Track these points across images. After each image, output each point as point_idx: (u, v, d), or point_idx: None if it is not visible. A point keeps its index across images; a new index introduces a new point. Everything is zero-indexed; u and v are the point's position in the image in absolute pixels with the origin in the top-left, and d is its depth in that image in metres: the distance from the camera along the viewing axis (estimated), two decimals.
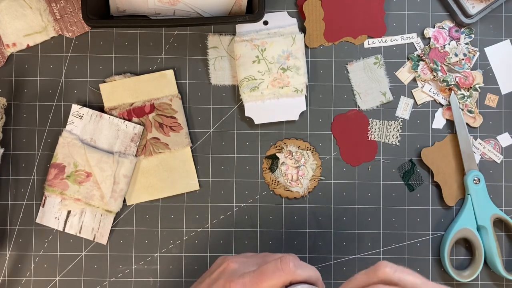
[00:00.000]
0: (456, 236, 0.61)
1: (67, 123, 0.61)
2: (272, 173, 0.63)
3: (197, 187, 0.62)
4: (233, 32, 0.63)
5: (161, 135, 0.62)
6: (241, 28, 0.62)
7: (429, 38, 0.64)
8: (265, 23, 0.63)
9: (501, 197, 0.63)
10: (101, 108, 0.62)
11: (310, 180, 0.63)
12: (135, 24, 0.60)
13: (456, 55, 0.63)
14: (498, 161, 0.64)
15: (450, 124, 0.64)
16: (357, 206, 0.63)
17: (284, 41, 0.61)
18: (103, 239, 0.61)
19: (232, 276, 0.43)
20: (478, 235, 0.61)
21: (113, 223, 0.62)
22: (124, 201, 0.62)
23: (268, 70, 0.61)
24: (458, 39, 0.64)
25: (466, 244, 0.63)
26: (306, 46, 0.63)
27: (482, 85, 0.63)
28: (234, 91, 0.63)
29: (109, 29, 0.63)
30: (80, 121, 0.61)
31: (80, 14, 0.61)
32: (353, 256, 0.63)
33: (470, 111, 0.63)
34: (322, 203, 0.63)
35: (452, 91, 0.63)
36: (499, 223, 0.63)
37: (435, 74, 0.63)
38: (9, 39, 0.61)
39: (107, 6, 0.60)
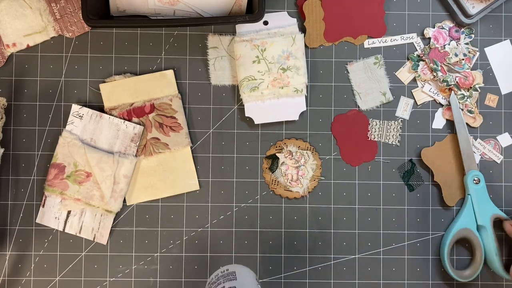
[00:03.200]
0: (456, 236, 0.61)
1: (67, 123, 0.61)
2: (272, 173, 0.63)
3: (197, 187, 0.62)
4: (233, 32, 0.63)
5: (161, 135, 0.62)
6: (241, 28, 0.62)
7: (429, 38, 0.64)
8: (265, 23, 0.63)
9: (501, 197, 0.63)
10: (101, 108, 0.62)
11: (310, 180, 0.63)
12: (135, 24, 0.60)
13: (456, 55, 0.63)
14: (498, 161, 0.64)
15: (450, 124, 0.64)
16: (357, 206, 0.63)
17: (284, 41, 0.61)
18: (103, 239, 0.61)
19: None
20: (478, 235, 0.61)
21: (113, 223, 0.62)
22: (124, 201, 0.62)
23: (268, 70, 0.61)
24: (458, 39, 0.64)
25: (466, 244, 0.63)
26: (306, 46, 0.63)
27: (482, 85, 0.63)
28: (234, 91, 0.63)
29: (109, 29, 0.63)
30: (80, 121, 0.61)
31: (80, 14, 0.61)
32: (353, 256, 0.63)
33: (470, 111, 0.63)
34: (322, 203, 0.63)
35: (452, 91, 0.63)
36: (499, 223, 0.63)
37: (435, 74, 0.63)
38: (9, 39, 0.61)
39: (107, 6, 0.60)
